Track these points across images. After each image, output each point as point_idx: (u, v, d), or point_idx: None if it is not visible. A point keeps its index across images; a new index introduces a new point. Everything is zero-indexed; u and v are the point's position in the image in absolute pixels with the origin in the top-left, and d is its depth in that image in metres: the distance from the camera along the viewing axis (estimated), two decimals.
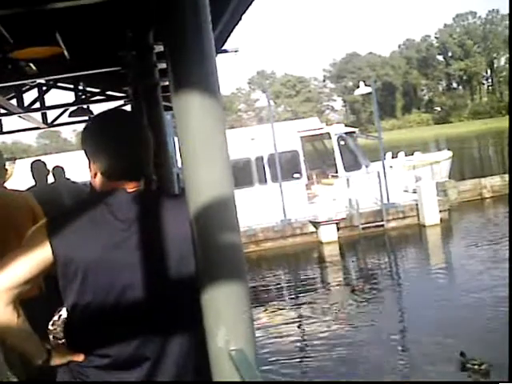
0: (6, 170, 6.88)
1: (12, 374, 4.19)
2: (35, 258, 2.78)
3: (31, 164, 9.71)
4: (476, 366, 11.82)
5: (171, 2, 2.34)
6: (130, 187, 2.90)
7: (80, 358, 2.90)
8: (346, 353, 14.01)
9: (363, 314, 17.09)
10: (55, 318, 3.18)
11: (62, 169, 10.56)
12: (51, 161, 11.20)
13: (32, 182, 9.58)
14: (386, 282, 20.78)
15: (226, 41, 7.41)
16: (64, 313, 3.15)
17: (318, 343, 14.91)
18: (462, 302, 16.49)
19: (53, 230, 2.80)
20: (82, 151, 2.99)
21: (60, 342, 3.15)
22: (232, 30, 6.73)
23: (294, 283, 22.20)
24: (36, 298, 3.22)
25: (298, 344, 15.52)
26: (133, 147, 2.93)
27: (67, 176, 10.64)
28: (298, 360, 14.26)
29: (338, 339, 14.96)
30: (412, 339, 14.56)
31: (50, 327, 3.19)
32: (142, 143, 2.98)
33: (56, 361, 2.98)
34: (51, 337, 3.18)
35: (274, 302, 19.31)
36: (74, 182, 10.50)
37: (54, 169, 10.37)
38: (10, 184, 6.99)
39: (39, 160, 10.24)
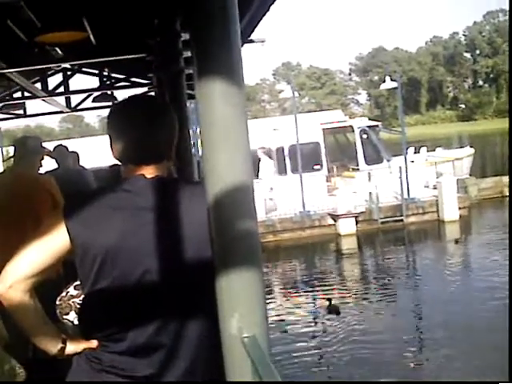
0: (43, 157, 6.94)
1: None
2: (53, 246, 2.80)
3: (54, 148, 9.75)
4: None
5: None
6: (149, 172, 2.91)
7: (94, 345, 2.91)
8: None
9: None
10: (63, 294, 3.21)
11: (77, 154, 10.61)
12: (74, 145, 11.23)
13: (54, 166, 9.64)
14: None
15: (253, 31, 7.40)
16: (71, 289, 3.18)
17: None
18: None
19: (70, 217, 2.81)
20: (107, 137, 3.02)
21: (65, 317, 3.18)
22: (259, 21, 6.73)
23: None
24: (53, 282, 3.23)
25: None
26: (149, 130, 2.92)
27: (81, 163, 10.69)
28: None
29: None
30: None
31: (57, 302, 3.21)
32: (160, 126, 2.97)
33: (71, 350, 2.98)
34: (58, 312, 3.21)
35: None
36: (84, 168, 10.51)
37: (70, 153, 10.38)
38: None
39: (61, 145, 10.29)
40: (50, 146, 8.20)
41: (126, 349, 2.86)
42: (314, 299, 18.95)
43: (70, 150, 10.23)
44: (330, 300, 17.10)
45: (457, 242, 24.06)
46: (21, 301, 2.80)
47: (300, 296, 19.42)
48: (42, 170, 7.04)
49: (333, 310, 16.63)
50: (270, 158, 28.73)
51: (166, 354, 2.87)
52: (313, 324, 16.57)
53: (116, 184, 2.97)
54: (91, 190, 5.58)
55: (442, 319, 15.03)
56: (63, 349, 2.97)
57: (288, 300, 18.92)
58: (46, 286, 2.94)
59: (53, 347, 2.97)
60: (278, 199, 26.35)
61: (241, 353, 2.32)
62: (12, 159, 6.93)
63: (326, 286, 19.87)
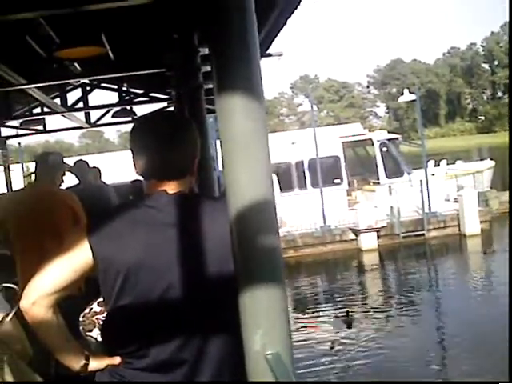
0: (64, 173, 6.95)
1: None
2: (76, 263, 2.80)
3: (74, 164, 9.76)
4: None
5: (217, 5, 2.34)
6: (172, 188, 2.90)
7: (117, 361, 2.91)
8: None
9: None
10: (86, 310, 3.21)
11: (99, 170, 10.63)
12: (94, 161, 11.27)
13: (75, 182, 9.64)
14: None
15: (270, 45, 7.40)
16: (95, 306, 3.18)
17: None
18: None
19: (93, 233, 2.80)
20: (129, 152, 3.01)
21: (88, 334, 3.17)
22: (277, 34, 6.73)
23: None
24: (75, 298, 3.22)
25: None
26: (172, 146, 2.92)
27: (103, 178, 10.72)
28: None
29: None
30: None
31: (81, 319, 3.21)
32: (182, 142, 2.96)
33: (93, 366, 2.99)
34: (81, 328, 3.20)
35: None
36: (105, 184, 10.55)
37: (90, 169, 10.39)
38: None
39: (81, 160, 10.31)
40: (69, 161, 8.21)
41: (148, 365, 2.85)
42: (331, 314, 19.02)
43: (90, 165, 10.24)
44: (347, 312, 17.79)
45: (485, 253, 24.34)
46: (44, 317, 2.80)
47: (317, 312, 19.51)
48: (63, 186, 7.04)
49: (347, 322, 17.31)
50: (275, 173, 28.61)
51: (188, 371, 2.86)
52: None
53: (139, 200, 2.98)
54: (114, 207, 5.61)
55: None
56: (86, 365, 2.99)
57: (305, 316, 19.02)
58: (69, 302, 2.95)
59: (76, 364, 2.98)
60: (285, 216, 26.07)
61: (264, 370, 2.29)
62: (33, 175, 6.94)
63: (346, 302, 19.86)
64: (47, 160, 6.75)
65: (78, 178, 9.66)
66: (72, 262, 2.80)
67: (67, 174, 7.29)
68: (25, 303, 2.80)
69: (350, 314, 17.79)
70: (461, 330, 16.34)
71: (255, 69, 2.35)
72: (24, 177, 24.46)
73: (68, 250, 2.83)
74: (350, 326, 17.17)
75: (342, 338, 16.46)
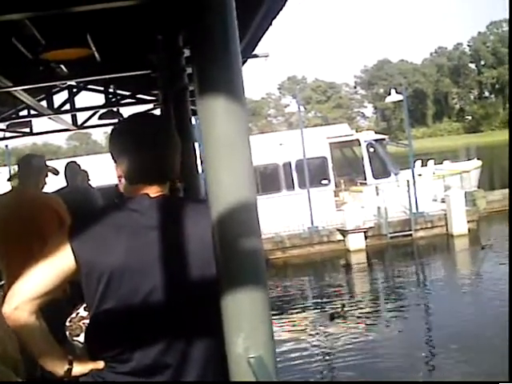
0: (47, 175, 6.91)
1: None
2: (58, 267, 2.78)
3: (65, 165, 9.71)
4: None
5: (199, 7, 2.34)
6: (153, 192, 2.89)
7: (100, 365, 2.89)
8: None
9: None
10: (73, 315, 3.19)
11: (86, 172, 10.60)
12: (80, 163, 11.24)
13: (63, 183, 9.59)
14: None
15: (256, 46, 7.40)
16: (81, 311, 3.16)
17: None
18: None
19: (75, 237, 2.79)
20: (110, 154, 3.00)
21: (75, 338, 3.16)
22: (262, 35, 6.73)
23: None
24: (60, 301, 3.21)
25: None
26: (154, 151, 2.91)
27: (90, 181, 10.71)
28: None
29: None
30: None
31: (67, 323, 3.20)
32: (165, 147, 2.96)
33: (77, 371, 2.96)
34: (67, 333, 3.19)
35: None
36: (91, 186, 10.53)
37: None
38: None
39: (74, 162, 10.26)
40: (57, 163, 8.17)
41: (132, 369, 2.84)
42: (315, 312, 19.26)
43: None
44: (343, 306, 18.45)
45: (483, 248, 24.64)
46: (27, 322, 2.78)
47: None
48: (46, 188, 7.00)
49: (330, 316, 17.95)
50: (262, 174, 28.59)
51: (172, 374, 2.84)
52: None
53: (121, 203, 2.95)
54: (96, 210, 5.56)
55: None
56: (70, 370, 2.96)
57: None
58: (53, 305, 2.93)
59: (59, 368, 2.96)
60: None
61: (247, 373, 2.29)
62: (16, 178, 6.90)
63: (331, 301, 19.99)
64: (30, 163, 6.72)
65: (66, 180, 9.61)
66: (54, 267, 2.78)
67: (52, 175, 7.25)
68: (7, 308, 2.78)
69: (340, 310, 18.23)
70: (438, 320, 16.58)
71: (237, 71, 2.35)
72: (7, 180, 24.33)
73: (50, 254, 2.81)
74: (331, 319, 17.70)
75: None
